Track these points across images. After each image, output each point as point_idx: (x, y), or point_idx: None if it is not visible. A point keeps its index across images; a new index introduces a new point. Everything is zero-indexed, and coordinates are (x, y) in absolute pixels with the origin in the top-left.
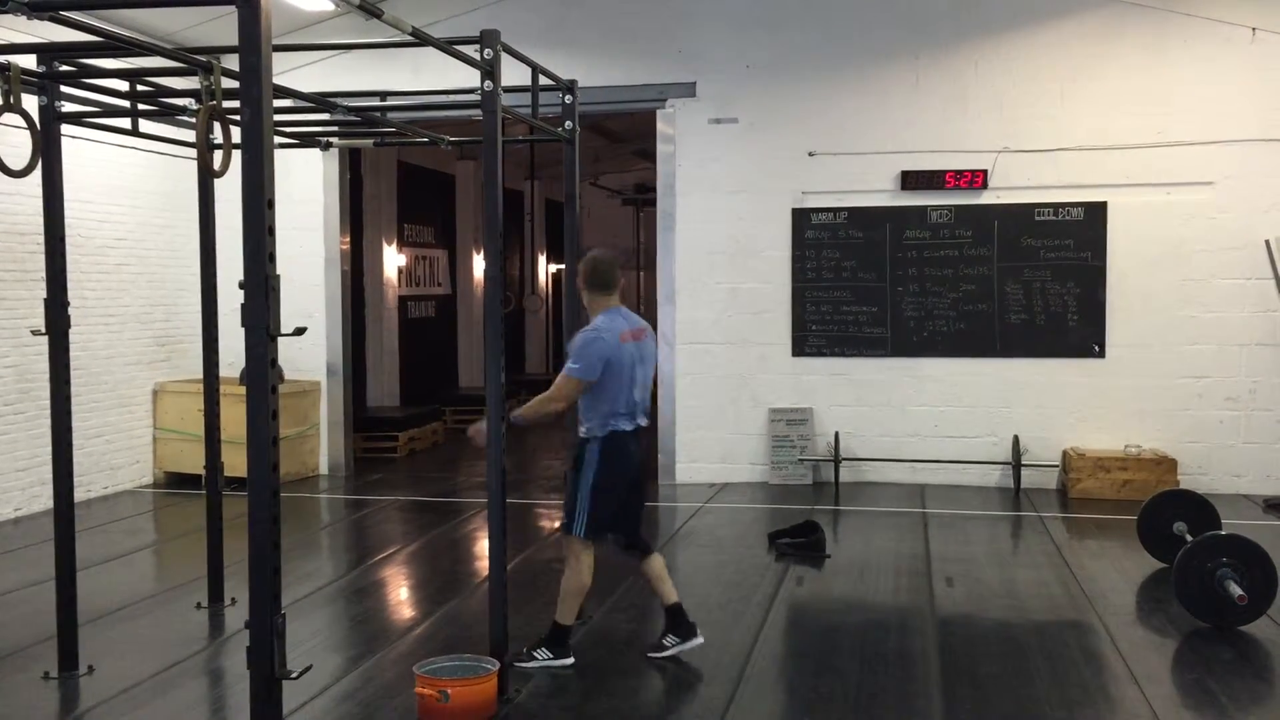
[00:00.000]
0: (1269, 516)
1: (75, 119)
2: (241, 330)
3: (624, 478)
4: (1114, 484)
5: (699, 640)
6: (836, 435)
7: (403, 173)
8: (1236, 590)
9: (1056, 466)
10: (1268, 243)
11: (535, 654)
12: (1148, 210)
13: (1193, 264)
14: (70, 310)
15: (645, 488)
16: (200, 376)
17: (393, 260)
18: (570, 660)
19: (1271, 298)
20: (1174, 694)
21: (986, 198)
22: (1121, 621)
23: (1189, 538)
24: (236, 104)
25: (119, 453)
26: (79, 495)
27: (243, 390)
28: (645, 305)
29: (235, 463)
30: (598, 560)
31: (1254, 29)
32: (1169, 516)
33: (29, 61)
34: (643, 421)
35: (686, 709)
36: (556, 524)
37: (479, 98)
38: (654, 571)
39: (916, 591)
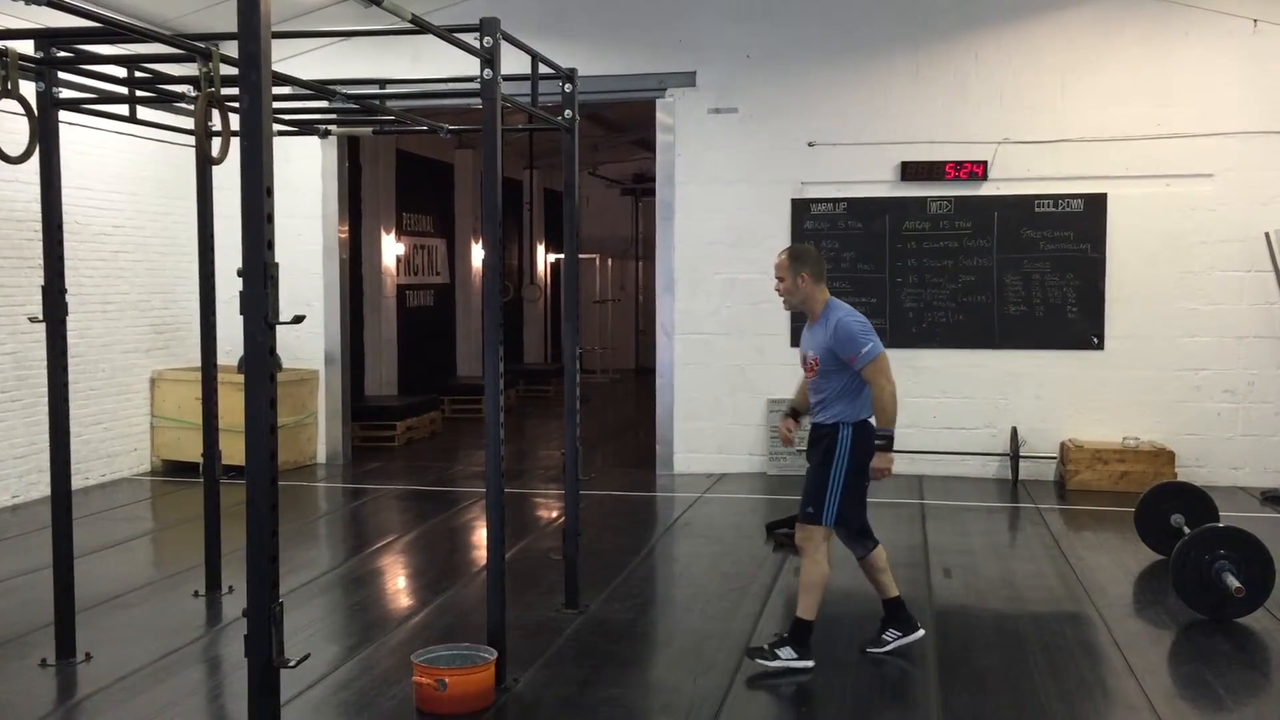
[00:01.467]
0: (1266, 509)
1: (73, 105)
2: (240, 318)
3: (868, 466)
4: (1112, 476)
5: (921, 632)
6: None
7: (401, 161)
8: (1234, 582)
9: (1054, 458)
10: (1267, 235)
11: (779, 653)
12: (1147, 202)
13: (1192, 256)
14: (68, 298)
15: None
16: (198, 364)
17: (391, 249)
18: (811, 663)
19: (1271, 290)
20: (1171, 686)
21: (986, 189)
22: (1119, 613)
23: (1186, 530)
24: (235, 91)
25: (117, 440)
26: (76, 483)
27: (241, 378)
28: (644, 295)
29: (233, 451)
30: (587, 549)
31: (1255, 20)
32: (1167, 509)
33: (26, 47)
34: None
35: (684, 699)
36: (555, 514)
37: (478, 86)
38: (878, 564)
39: (914, 583)
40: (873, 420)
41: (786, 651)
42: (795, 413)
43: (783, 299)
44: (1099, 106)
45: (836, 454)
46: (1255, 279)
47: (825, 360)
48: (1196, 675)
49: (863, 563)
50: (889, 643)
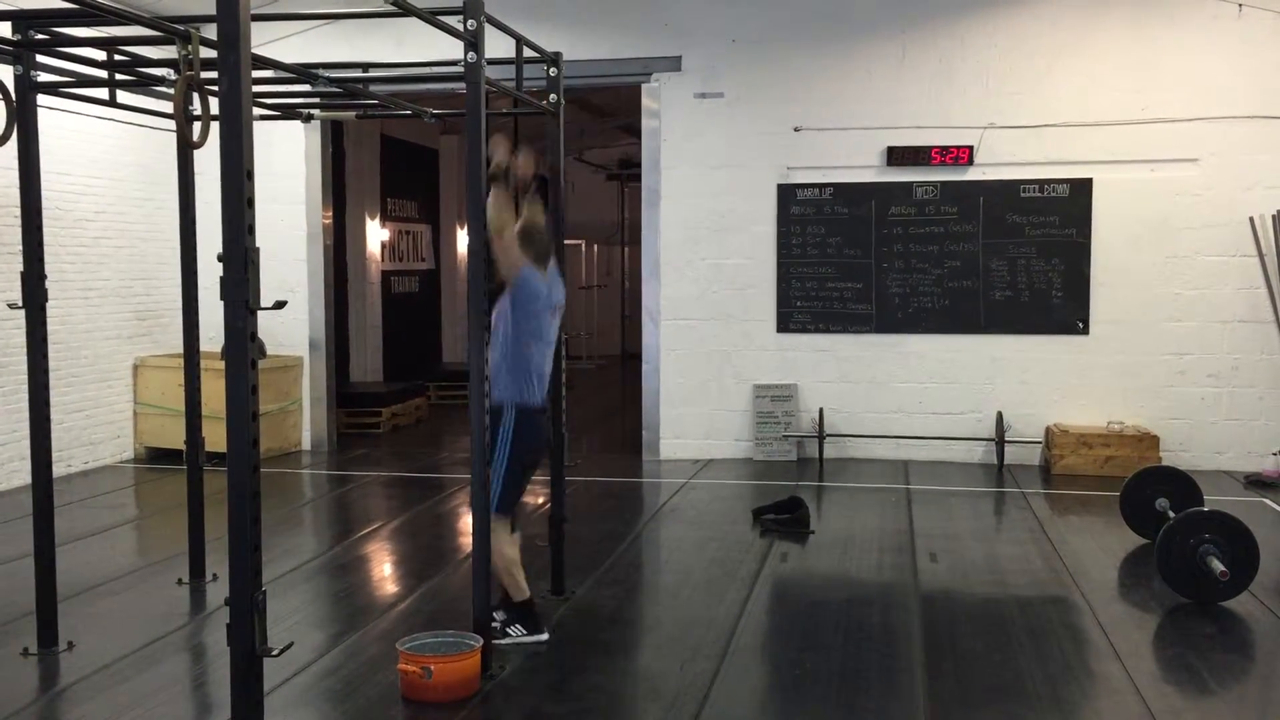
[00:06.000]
0: (1250, 493)
1: (51, 89)
2: (222, 304)
3: (532, 456)
4: (1097, 460)
5: (544, 639)
6: (821, 411)
7: (386, 146)
8: (1219, 566)
9: (1040, 443)
10: (1252, 220)
11: (509, 631)
12: (1132, 187)
13: (1177, 241)
14: (48, 284)
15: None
16: (181, 351)
17: (376, 234)
18: (545, 635)
19: (1255, 275)
20: (1156, 669)
21: (972, 174)
22: (1104, 597)
23: (1171, 514)
24: (215, 74)
25: (99, 427)
26: (59, 470)
27: (223, 365)
28: (630, 281)
29: (216, 438)
30: (573, 535)
31: (1240, 4)
32: (1151, 493)
33: (3, 30)
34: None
35: (671, 685)
36: (541, 500)
37: (462, 70)
38: None
39: (900, 567)
40: (539, 404)
41: (516, 629)
42: None
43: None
44: (1084, 91)
45: (500, 440)
46: (1240, 263)
47: (495, 319)
48: (1181, 659)
49: None
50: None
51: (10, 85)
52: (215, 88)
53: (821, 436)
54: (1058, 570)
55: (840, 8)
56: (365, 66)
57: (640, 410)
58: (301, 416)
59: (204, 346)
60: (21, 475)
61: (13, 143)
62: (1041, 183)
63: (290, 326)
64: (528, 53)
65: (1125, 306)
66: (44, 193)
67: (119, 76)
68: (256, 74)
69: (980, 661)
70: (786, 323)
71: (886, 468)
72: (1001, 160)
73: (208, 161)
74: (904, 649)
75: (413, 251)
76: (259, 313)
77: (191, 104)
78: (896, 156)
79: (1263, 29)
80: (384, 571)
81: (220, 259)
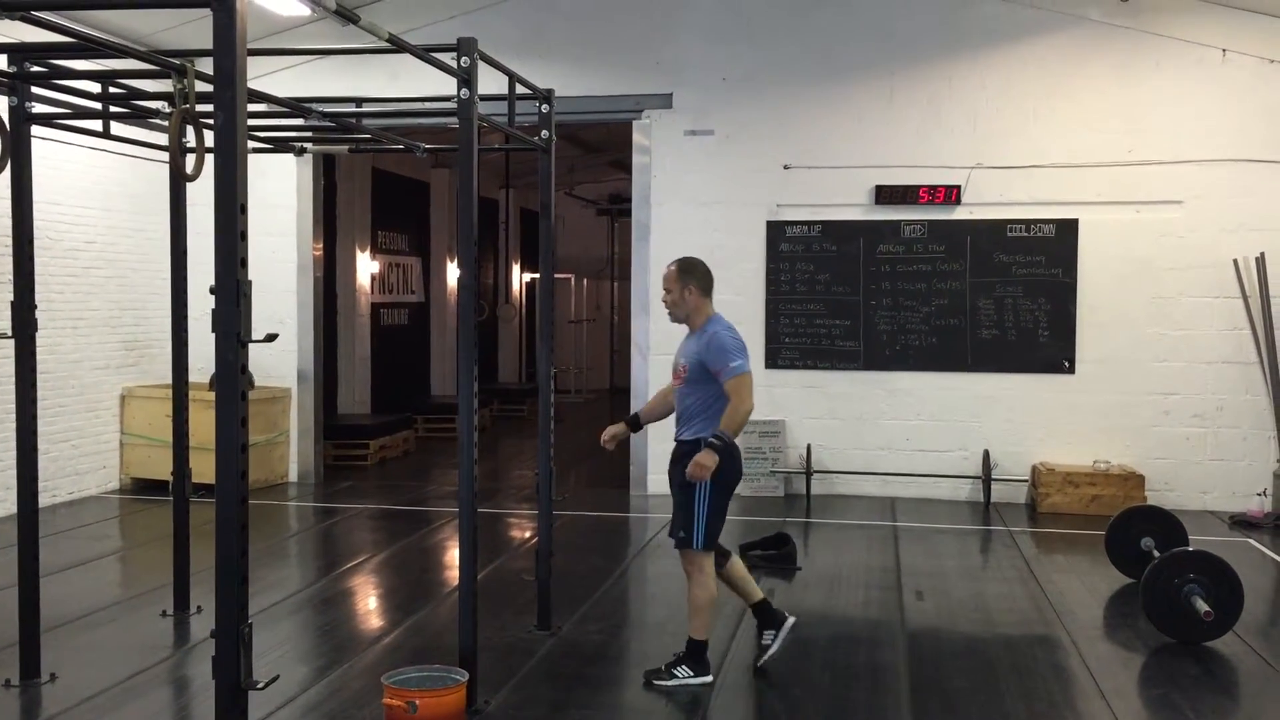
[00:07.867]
0: (1235, 533)
1: (46, 120)
2: (211, 335)
3: (734, 484)
4: (1082, 499)
5: (793, 619)
6: (808, 447)
7: (377, 179)
8: (1203, 606)
9: (1026, 481)
10: (1235, 262)
11: (675, 672)
12: (1118, 228)
13: (1162, 282)
14: (38, 313)
15: None
16: (169, 381)
17: (366, 267)
18: (710, 678)
19: (1239, 316)
20: (1140, 709)
21: (959, 213)
22: (1089, 636)
23: (1156, 553)
24: (210, 108)
25: (85, 458)
26: (44, 500)
27: (212, 396)
28: (619, 315)
29: (203, 469)
30: (560, 570)
31: (1224, 50)
32: (1136, 532)
33: None
34: None
35: None
36: (529, 534)
37: (455, 105)
38: (737, 574)
39: (886, 605)
40: (735, 440)
41: (683, 670)
42: (636, 421)
43: (668, 310)
44: (1071, 133)
45: (702, 482)
46: (1224, 305)
47: (694, 370)
48: (1166, 698)
49: (719, 575)
50: (770, 645)
51: (5, 115)
52: (210, 121)
53: (809, 473)
54: (1043, 609)
55: (830, 48)
56: (359, 101)
57: (628, 445)
58: (289, 448)
59: (193, 377)
60: (6, 505)
61: (6, 172)
62: (1028, 223)
63: (279, 358)
64: (520, 89)
65: (1111, 346)
66: (36, 222)
67: (114, 109)
68: (250, 107)
69: (966, 700)
70: (775, 359)
71: (873, 504)
72: (989, 200)
73: (200, 193)
74: (890, 687)
75: (402, 284)
76: (249, 344)
77: (186, 136)
78: (885, 195)
79: (1245, 73)
80: (370, 605)
81: (212, 291)
